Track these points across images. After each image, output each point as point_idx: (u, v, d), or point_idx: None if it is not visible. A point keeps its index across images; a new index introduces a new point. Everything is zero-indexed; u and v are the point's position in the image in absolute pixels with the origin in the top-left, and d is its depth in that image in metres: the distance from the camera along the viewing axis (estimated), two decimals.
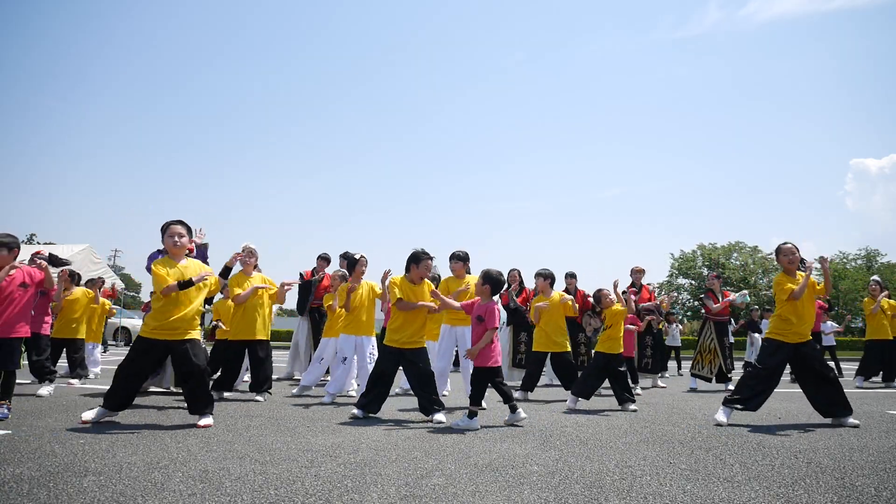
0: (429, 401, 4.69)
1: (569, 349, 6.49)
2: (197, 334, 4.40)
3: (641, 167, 67.27)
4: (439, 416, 4.58)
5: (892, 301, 9.19)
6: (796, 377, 4.98)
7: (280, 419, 4.57)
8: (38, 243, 33.19)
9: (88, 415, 4.18)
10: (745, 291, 8.10)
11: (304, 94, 79.48)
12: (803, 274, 4.91)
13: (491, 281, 4.60)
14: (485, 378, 4.52)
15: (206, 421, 4.19)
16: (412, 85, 79.82)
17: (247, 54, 79.07)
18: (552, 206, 68.36)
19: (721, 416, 4.73)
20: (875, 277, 9.61)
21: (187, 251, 4.62)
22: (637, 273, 8.50)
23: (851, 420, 4.70)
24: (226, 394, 5.90)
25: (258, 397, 5.80)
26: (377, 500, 2.42)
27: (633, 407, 5.56)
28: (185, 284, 4.23)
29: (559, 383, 8.27)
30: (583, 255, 65.45)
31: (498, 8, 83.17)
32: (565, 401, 6.22)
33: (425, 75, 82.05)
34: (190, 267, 4.41)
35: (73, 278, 7.40)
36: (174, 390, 6.13)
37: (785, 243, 5.06)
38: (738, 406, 4.77)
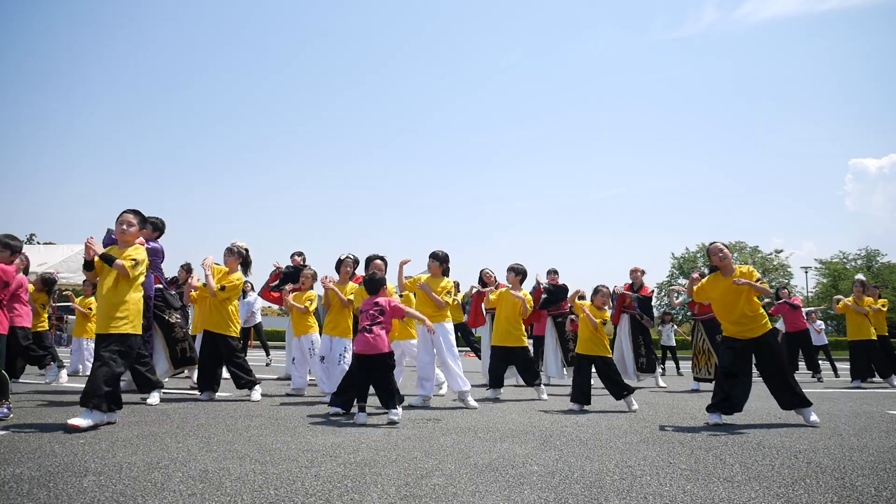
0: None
1: (526, 343, 6.56)
2: (129, 329, 4.14)
3: (641, 167, 67.29)
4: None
5: (871, 299, 9.18)
6: (759, 372, 4.89)
7: (280, 419, 4.57)
8: (38, 243, 33.17)
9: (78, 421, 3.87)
10: (679, 291, 8.08)
11: (303, 95, 79.52)
12: (736, 273, 4.82)
13: (365, 282, 5.08)
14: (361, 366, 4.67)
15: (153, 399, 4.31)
16: (410, 85, 79.84)
17: (247, 54, 79.10)
18: (551, 207, 68.33)
19: (712, 418, 4.73)
20: (859, 276, 9.60)
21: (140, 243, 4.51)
22: (636, 273, 8.50)
23: (813, 417, 4.67)
24: (216, 394, 5.88)
25: (253, 396, 5.78)
26: (377, 500, 2.42)
27: (634, 406, 5.56)
28: (106, 257, 4.12)
29: (559, 382, 8.31)
30: (582, 256, 65.38)
31: (494, 8, 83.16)
32: (543, 398, 6.24)
33: (423, 76, 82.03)
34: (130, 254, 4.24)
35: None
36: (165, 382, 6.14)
37: (713, 243, 4.99)
38: (715, 410, 4.72)
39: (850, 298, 9.20)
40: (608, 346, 5.85)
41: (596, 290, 5.97)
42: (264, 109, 77.57)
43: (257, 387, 5.89)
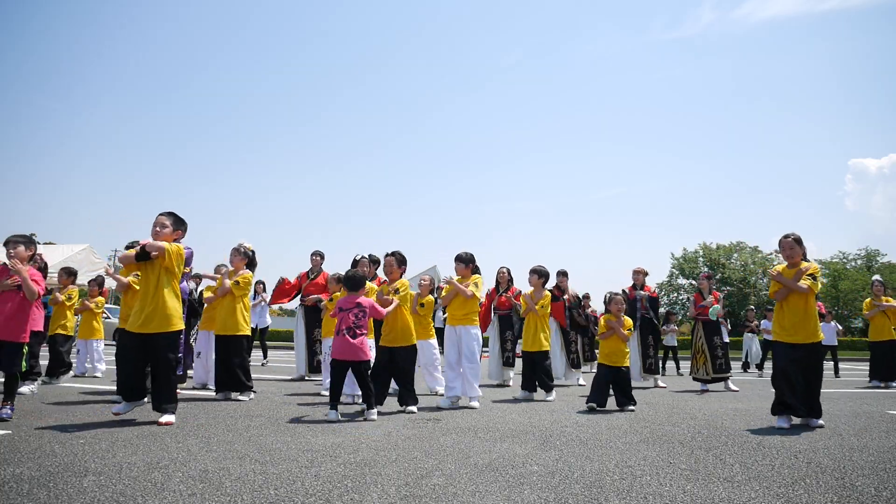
0: (406, 393, 5.25)
1: (545, 348, 6.47)
2: (170, 327, 4.29)
3: (641, 167, 67.24)
4: (412, 408, 5.16)
5: (891, 300, 9.18)
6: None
7: (280, 419, 4.57)
8: (38, 243, 33.10)
9: (117, 408, 4.29)
10: (718, 307, 8.00)
11: (303, 95, 79.62)
12: (797, 268, 4.74)
13: (345, 279, 5.10)
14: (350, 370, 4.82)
15: (167, 418, 4.19)
16: (410, 85, 79.89)
17: (247, 54, 79.20)
18: (551, 207, 68.30)
19: (780, 422, 4.58)
20: (877, 277, 9.59)
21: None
22: (638, 274, 8.49)
23: (819, 421, 4.64)
24: (232, 394, 5.84)
25: (241, 397, 5.73)
26: (377, 500, 2.42)
27: (631, 407, 5.58)
28: (142, 255, 4.22)
29: (567, 383, 8.31)
30: (582, 256, 65.30)
31: (494, 8, 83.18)
32: (548, 399, 6.23)
33: (423, 76, 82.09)
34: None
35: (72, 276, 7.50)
36: None
37: (785, 236, 4.88)
38: (782, 412, 4.63)
39: (870, 299, 9.22)
40: (627, 357, 5.84)
41: (610, 299, 5.90)
42: (264, 109, 77.63)
43: (251, 393, 5.87)
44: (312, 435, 3.89)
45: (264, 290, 11.11)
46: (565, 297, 8.58)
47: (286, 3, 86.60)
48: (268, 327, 12.04)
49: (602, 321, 5.90)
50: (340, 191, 73.76)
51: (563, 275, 8.67)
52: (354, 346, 4.71)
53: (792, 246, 4.84)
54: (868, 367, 9.55)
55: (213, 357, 6.79)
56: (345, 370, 4.78)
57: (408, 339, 5.26)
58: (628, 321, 5.89)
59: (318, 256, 8.24)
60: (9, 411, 4.31)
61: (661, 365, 11.04)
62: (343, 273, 6.80)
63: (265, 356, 12.21)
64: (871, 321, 9.21)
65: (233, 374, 5.80)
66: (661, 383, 8.41)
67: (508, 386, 7.88)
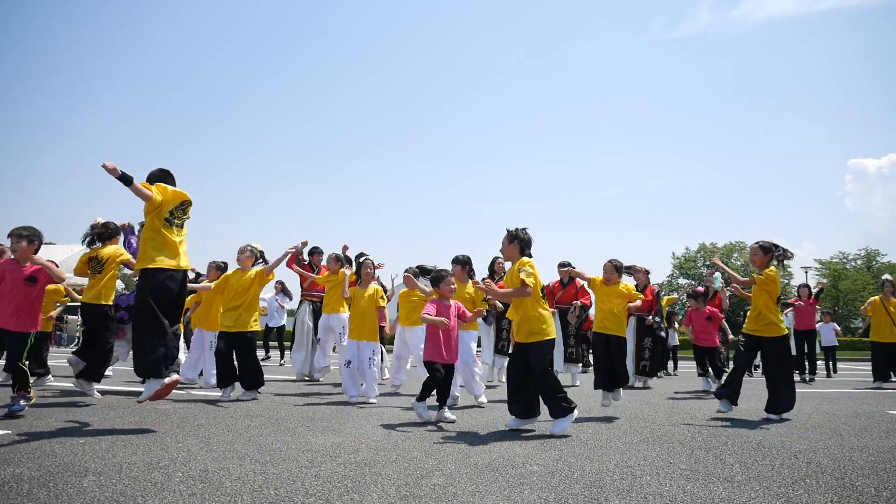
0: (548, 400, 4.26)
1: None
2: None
3: (641, 167, 67.18)
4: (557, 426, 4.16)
5: None
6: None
7: (280, 419, 4.57)
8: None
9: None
10: (717, 275, 7.92)
11: (303, 95, 79.67)
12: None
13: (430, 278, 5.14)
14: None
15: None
16: (410, 85, 79.88)
17: (247, 54, 79.26)
18: (551, 207, 68.18)
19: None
20: (887, 277, 9.55)
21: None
22: (639, 274, 8.45)
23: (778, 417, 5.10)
24: (233, 392, 5.79)
25: (243, 397, 5.71)
26: (377, 500, 2.42)
27: (619, 396, 5.57)
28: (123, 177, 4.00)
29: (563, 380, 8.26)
30: (582, 256, 65.31)
31: (494, 8, 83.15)
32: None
33: (423, 76, 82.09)
34: None
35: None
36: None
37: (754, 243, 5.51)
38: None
39: (878, 298, 9.19)
40: (624, 327, 5.48)
41: (604, 269, 5.51)
42: (264, 109, 77.63)
43: (257, 392, 5.88)
44: (312, 435, 3.89)
45: (282, 290, 11.25)
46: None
47: (286, 3, 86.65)
48: (283, 326, 12.07)
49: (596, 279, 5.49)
50: (340, 191, 73.72)
51: (565, 265, 8.59)
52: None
53: (751, 250, 5.51)
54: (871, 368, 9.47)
55: (205, 355, 6.72)
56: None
57: (531, 336, 4.31)
58: (624, 286, 5.49)
59: (318, 256, 8.23)
60: (22, 403, 4.35)
61: (672, 365, 10.99)
62: (338, 253, 6.91)
63: (282, 356, 12.17)
64: (874, 321, 9.17)
65: (250, 370, 5.79)
66: (636, 385, 8.25)
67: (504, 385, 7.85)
